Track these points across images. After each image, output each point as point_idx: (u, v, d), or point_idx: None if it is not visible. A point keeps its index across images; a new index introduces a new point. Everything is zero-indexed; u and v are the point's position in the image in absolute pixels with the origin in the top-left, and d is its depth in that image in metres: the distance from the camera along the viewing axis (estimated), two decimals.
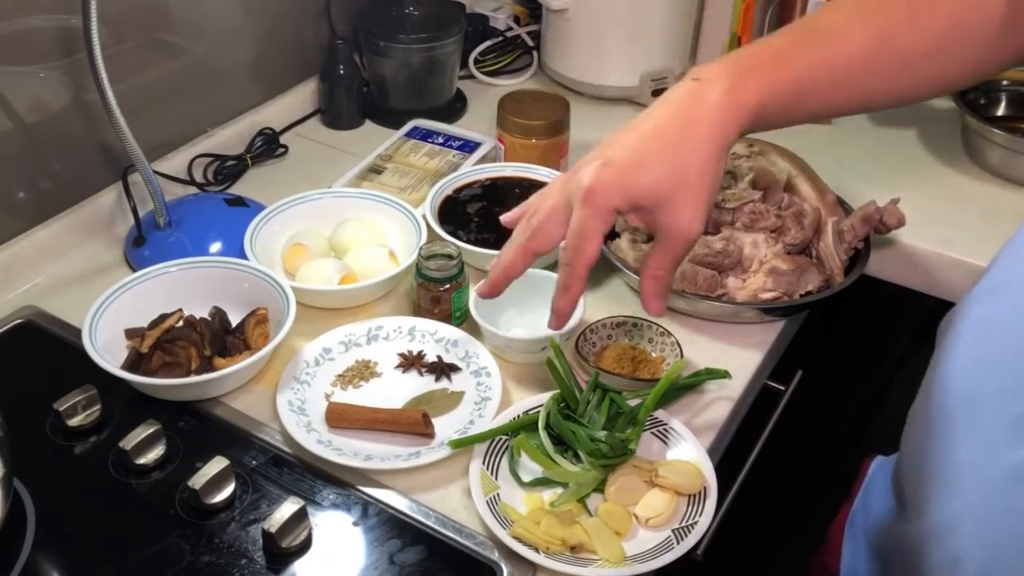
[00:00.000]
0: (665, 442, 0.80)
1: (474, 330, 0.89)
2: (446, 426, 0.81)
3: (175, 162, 1.09)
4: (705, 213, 0.66)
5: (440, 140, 1.17)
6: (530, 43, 1.38)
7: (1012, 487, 0.54)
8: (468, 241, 0.98)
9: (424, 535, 0.72)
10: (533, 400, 0.82)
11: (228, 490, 0.74)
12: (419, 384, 0.86)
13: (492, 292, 0.74)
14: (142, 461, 0.76)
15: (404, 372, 0.87)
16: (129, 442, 0.75)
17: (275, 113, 1.21)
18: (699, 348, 0.90)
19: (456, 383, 0.86)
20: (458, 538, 0.72)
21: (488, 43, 1.36)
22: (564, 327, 0.75)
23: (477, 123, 1.24)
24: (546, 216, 0.69)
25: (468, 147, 1.15)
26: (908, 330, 1.21)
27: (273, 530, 0.69)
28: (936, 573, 0.60)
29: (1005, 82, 1.23)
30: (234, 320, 0.88)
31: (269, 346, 0.82)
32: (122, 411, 0.81)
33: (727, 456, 0.88)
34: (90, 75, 0.88)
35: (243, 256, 0.92)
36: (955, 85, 0.80)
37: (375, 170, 1.12)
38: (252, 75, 1.19)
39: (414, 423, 0.79)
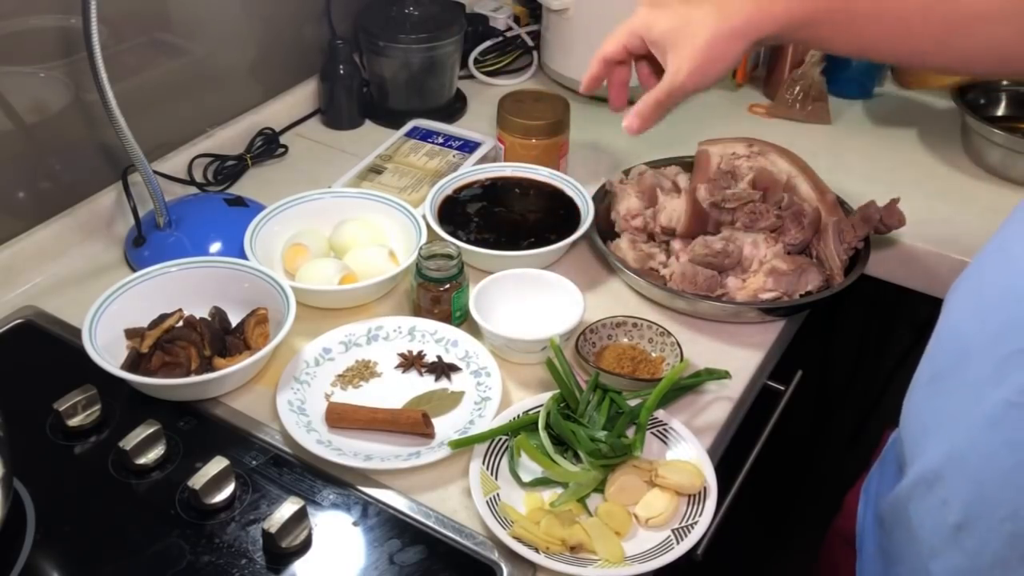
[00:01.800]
0: (665, 442, 0.80)
1: (474, 330, 0.89)
2: (446, 426, 0.81)
3: (175, 162, 1.09)
4: (698, 76, 0.78)
5: (440, 140, 1.17)
6: (530, 43, 1.38)
7: (994, 426, 0.56)
8: (468, 241, 0.98)
9: (424, 535, 0.72)
10: (533, 400, 0.82)
11: (228, 490, 0.74)
12: (419, 384, 0.86)
13: (592, 86, 0.88)
14: (142, 461, 0.76)
15: (404, 372, 0.87)
16: (129, 442, 0.75)
17: (275, 113, 1.21)
18: (699, 348, 0.90)
19: (456, 383, 0.86)
20: (458, 538, 0.72)
21: (488, 43, 1.36)
22: (588, 82, 0.87)
23: (477, 123, 1.24)
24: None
25: (468, 147, 1.15)
26: (908, 330, 1.21)
27: (273, 530, 0.69)
28: (925, 517, 0.63)
29: (1005, 82, 1.23)
30: (234, 320, 0.88)
31: (269, 346, 0.82)
32: (122, 411, 0.81)
33: (727, 456, 0.88)
34: (90, 75, 0.88)
35: (243, 256, 0.92)
36: (1013, 63, 0.76)
37: (375, 170, 1.12)
38: (252, 75, 1.19)
39: (414, 423, 0.79)
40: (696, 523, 0.73)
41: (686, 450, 0.78)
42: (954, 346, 0.63)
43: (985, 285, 0.62)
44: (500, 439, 0.78)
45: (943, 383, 0.63)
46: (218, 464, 0.73)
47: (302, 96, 1.24)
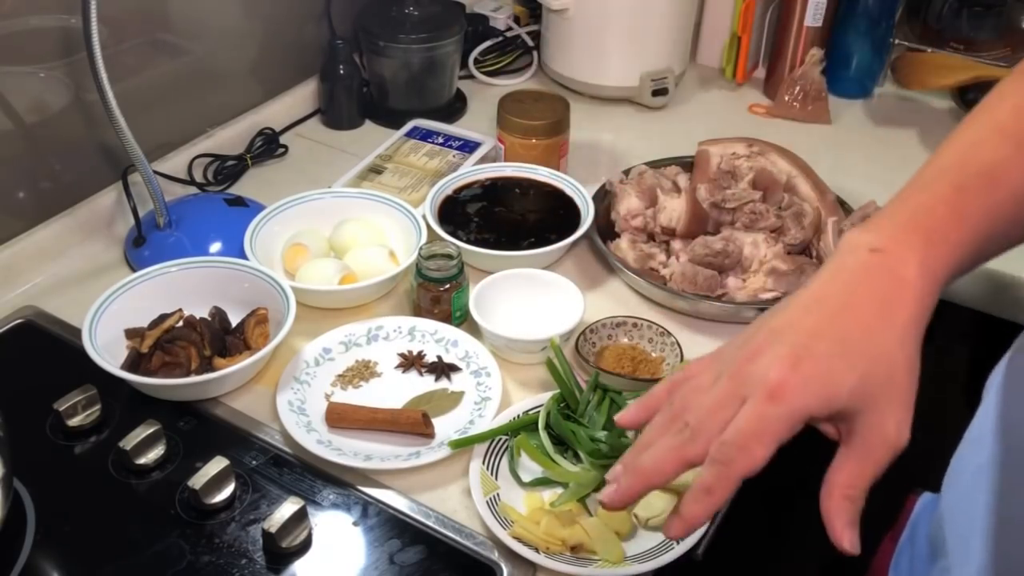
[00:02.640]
0: None
1: (474, 330, 0.89)
2: (446, 426, 0.81)
3: (175, 162, 1.09)
4: (912, 415, 0.53)
5: (440, 140, 1.17)
6: (530, 43, 1.38)
7: None
8: (468, 241, 0.98)
9: (424, 535, 0.72)
10: (533, 400, 0.82)
11: (228, 490, 0.74)
12: (419, 384, 0.86)
13: (624, 502, 0.55)
14: (142, 461, 0.76)
15: (404, 372, 0.87)
16: (129, 442, 0.75)
17: (275, 113, 1.21)
18: (699, 348, 0.90)
19: (456, 383, 0.86)
20: (458, 538, 0.72)
21: (488, 43, 1.36)
22: (685, 536, 0.60)
23: (477, 123, 1.24)
24: (709, 414, 0.54)
25: (468, 147, 1.15)
26: None
27: (273, 530, 0.69)
28: None
29: None
30: (234, 320, 0.88)
31: (269, 346, 0.82)
32: (122, 411, 0.81)
33: None
34: (90, 75, 0.88)
35: (243, 256, 0.92)
36: None
37: (375, 170, 1.12)
38: (252, 75, 1.19)
39: (414, 423, 0.79)
40: None
41: None
42: (1011, 443, 0.58)
43: None
44: (500, 439, 0.78)
45: (1000, 482, 0.58)
46: (218, 464, 0.73)
47: (302, 96, 1.24)
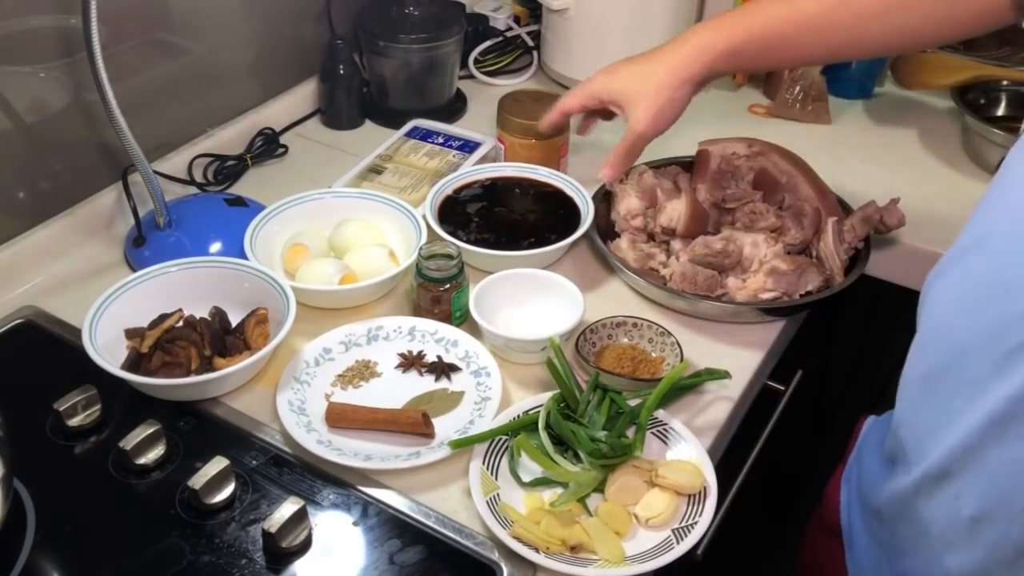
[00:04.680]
0: (665, 442, 0.80)
1: (474, 330, 0.89)
2: (446, 426, 0.81)
3: (175, 162, 1.09)
4: (654, 120, 0.91)
5: (440, 140, 1.17)
6: (530, 43, 1.38)
7: (1003, 421, 0.58)
8: (468, 241, 0.98)
9: (424, 535, 0.72)
10: (533, 400, 0.82)
11: (228, 490, 0.74)
12: (419, 384, 0.86)
13: (551, 129, 1.04)
14: (142, 461, 0.76)
15: (404, 372, 0.87)
16: (129, 442, 0.75)
17: (275, 113, 1.21)
18: (699, 348, 0.90)
19: (456, 383, 0.86)
20: (458, 538, 0.72)
21: (488, 43, 1.36)
22: (546, 124, 1.03)
23: (477, 123, 1.24)
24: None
25: (468, 147, 1.15)
26: (908, 330, 1.21)
27: (273, 530, 0.69)
28: (937, 511, 0.64)
29: (1005, 82, 1.23)
30: (234, 320, 0.88)
31: (269, 346, 0.82)
32: (122, 411, 0.81)
33: (727, 456, 0.88)
34: (90, 75, 0.88)
35: (243, 256, 0.92)
36: (927, 40, 0.89)
37: (375, 170, 1.12)
38: (252, 75, 1.19)
39: (414, 423, 0.79)
40: (696, 523, 0.73)
41: (686, 450, 0.78)
42: (948, 344, 0.64)
43: (968, 279, 0.63)
44: (500, 439, 0.78)
45: (942, 382, 0.64)
46: (218, 464, 0.73)
47: (302, 96, 1.24)
